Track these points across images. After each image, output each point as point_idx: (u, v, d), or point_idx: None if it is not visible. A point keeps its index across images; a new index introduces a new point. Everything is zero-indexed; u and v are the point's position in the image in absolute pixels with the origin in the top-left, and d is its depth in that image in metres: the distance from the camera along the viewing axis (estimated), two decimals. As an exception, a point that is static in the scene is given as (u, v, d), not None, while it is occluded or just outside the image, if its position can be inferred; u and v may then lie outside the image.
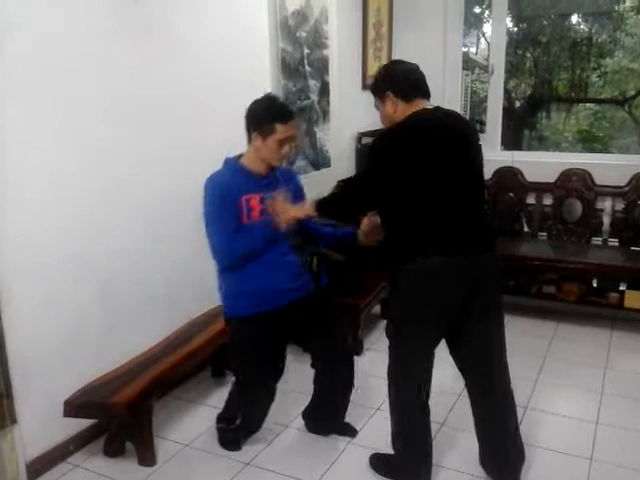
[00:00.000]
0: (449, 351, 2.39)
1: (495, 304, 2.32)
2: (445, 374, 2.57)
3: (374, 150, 2.22)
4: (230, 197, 2.34)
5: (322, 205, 2.36)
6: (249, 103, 2.42)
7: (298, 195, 2.60)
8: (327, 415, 2.79)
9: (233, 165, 2.44)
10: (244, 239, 2.35)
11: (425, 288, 2.17)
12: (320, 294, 2.57)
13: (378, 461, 2.56)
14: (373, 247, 2.53)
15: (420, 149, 2.10)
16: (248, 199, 2.38)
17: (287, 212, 2.36)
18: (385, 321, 4.04)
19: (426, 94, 2.27)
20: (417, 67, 2.31)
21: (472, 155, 2.23)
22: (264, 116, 2.36)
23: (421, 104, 2.23)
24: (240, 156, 2.47)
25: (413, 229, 2.16)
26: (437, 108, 2.25)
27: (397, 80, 2.25)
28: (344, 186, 2.34)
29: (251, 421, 2.69)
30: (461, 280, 2.17)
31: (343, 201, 2.37)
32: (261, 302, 2.43)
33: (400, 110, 2.22)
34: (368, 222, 2.47)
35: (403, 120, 2.18)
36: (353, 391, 2.73)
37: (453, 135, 2.18)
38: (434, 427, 2.46)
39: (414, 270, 2.16)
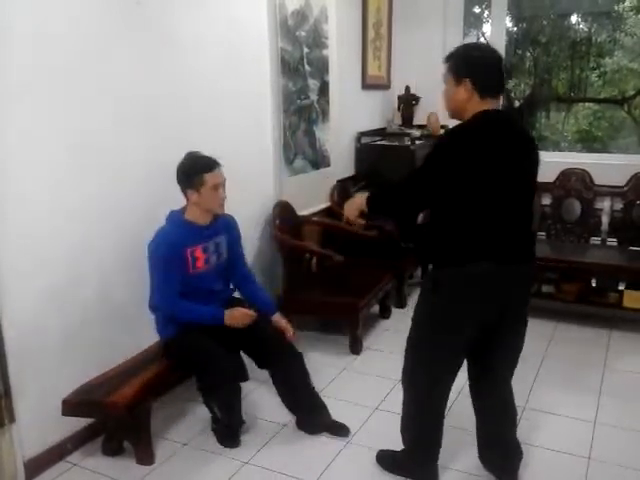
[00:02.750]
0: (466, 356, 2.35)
1: (524, 316, 2.29)
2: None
3: (443, 144, 2.12)
4: (174, 254, 2.57)
5: (375, 199, 2.28)
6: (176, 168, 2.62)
7: (237, 242, 2.89)
8: (301, 411, 2.82)
9: (177, 220, 2.66)
10: (187, 308, 2.63)
11: (470, 293, 2.11)
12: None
13: (384, 457, 2.56)
14: (364, 241, 2.50)
15: (489, 152, 2.03)
16: (192, 251, 2.64)
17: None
18: (387, 320, 4.11)
19: (501, 92, 2.19)
20: (501, 59, 2.17)
21: (530, 165, 2.17)
22: (190, 172, 2.59)
23: (493, 103, 2.13)
24: (183, 211, 2.68)
25: (467, 232, 2.09)
26: (503, 112, 2.19)
27: (482, 72, 2.11)
28: (399, 180, 2.21)
29: (228, 418, 2.73)
30: (505, 288, 2.13)
31: (398, 195, 2.22)
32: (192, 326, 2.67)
33: (472, 103, 2.10)
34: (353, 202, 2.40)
35: (475, 118, 2.08)
36: (350, 390, 2.73)
37: (520, 143, 2.12)
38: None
39: (462, 273, 2.10)
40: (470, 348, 2.26)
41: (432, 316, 2.24)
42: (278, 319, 2.90)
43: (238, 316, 2.66)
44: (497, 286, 2.12)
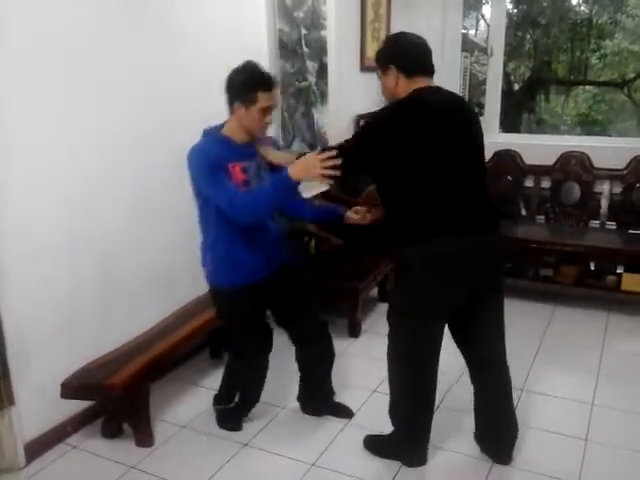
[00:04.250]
0: (450, 331, 2.39)
1: (498, 285, 2.33)
2: (443, 356, 2.57)
3: (371, 126, 2.19)
4: (218, 163, 2.28)
5: (339, 149, 2.16)
6: (229, 72, 2.33)
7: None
8: (316, 393, 2.81)
9: (214, 136, 2.38)
10: (254, 194, 2.29)
11: (439, 269, 2.14)
12: (295, 271, 2.62)
13: (372, 442, 2.57)
14: (363, 226, 2.49)
15: (421, 129, 2.07)
16: (232, 167, 2.33)
17: (319, 162, 2.14)
18: (385, 304, 4.10)
19: (430, 71, 2.23)
20: (424, 42, 2.25)
21: (472, 135, 2.21)
22: (247, 85, 2.28)
23: (424, 81, 2.19)
24: (221, 127, 2.40)
25: (420, 210, 2.13)
26: (439, 88, 2.23)
27: (402, 54, 2.20)
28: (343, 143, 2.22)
29: (251, 394, 2.70)
30: (471, 261, 2.16)
31: (344, 153, 2.13)
32: (243, 275, 2.44)
33: (402, 85, 2.18)
34: (365, 198, 2.42)
35: (405, 98, 2.15)
36: (350, 372, 2.73)
37: (454, 116, 2.16)
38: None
39: (427, 251, 2.13)
40: (444, 323, 2.30)
41: (404, 294, 2.28)
42: (353, 210, 2.56)
43: (310, 166, 2.16)
44: (463, 260, 2.13)
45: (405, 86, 2.18)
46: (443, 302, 2.22)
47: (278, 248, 2.51)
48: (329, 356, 2.73)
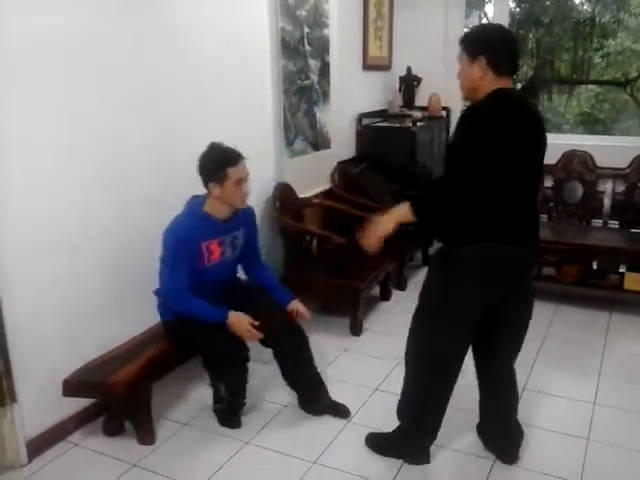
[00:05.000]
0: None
1: (531, 290, 2.31)
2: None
3: (465, 125, 2.07)
4: (188, 249, 2.53)
5: (418, 205, 2.16)
6: (199, 159, 2.54)
7: (254, 235, 2.86)
8: (302, 390, 2.82)
9: (196, 212, 2.59)
10: (192, 304, 2.56)
11: (483, 273, 2.12)
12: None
13: (374, 439, 2.57)
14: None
15: (505, 131, 2.00)
16: (208, 245, 2.59)
17: (248, 330, 2.55)
18: (387, 302, 4.11)
19: (515, 73, 2.17)
20: (518, 42, 2.19)
21: (539, 145, 2.15)
22: (214, 165, 2.51)
23: (507, 83, 2.11)
24: (203, 201, 2.60)
25: (481, 211, 2.07)
26: (514, 91, 2.18)
27: (496, 50, 2.09)
28: (437, 178, 2.20)
29: (237, 387, 2.72)
30: (515, 269, 2.15)
31: (445, 192, 2.09)
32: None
33: (487, 81, 2.08)
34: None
35: (490, 96, 2.07)
36: (351, 371, 2.73)
37: (531, 123, 2.10)
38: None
39: (480, 252, 2.09)
40: (474, 327, 2.25)
41: (439, 293, 2.23)
42: (294, 305, 2.84)
43: (241, 329, 2.57)
44: (505, 267, 2.12)
45: (490, 83, 2.08)
46: (478, 305, 2.19)
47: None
48: (305, 350, 2.78)
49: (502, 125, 2.00)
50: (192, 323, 2.59)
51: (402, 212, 2.18)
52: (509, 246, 2.09)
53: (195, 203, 2.62)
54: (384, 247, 2.31)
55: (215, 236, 2.62)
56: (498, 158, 2.00)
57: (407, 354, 2.38)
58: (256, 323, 2.59)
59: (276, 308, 2.79)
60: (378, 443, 2.55)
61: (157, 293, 2.73)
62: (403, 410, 2.45)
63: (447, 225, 2.18)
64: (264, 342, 2.75)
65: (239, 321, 2.57)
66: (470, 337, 2.28)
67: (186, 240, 2.52)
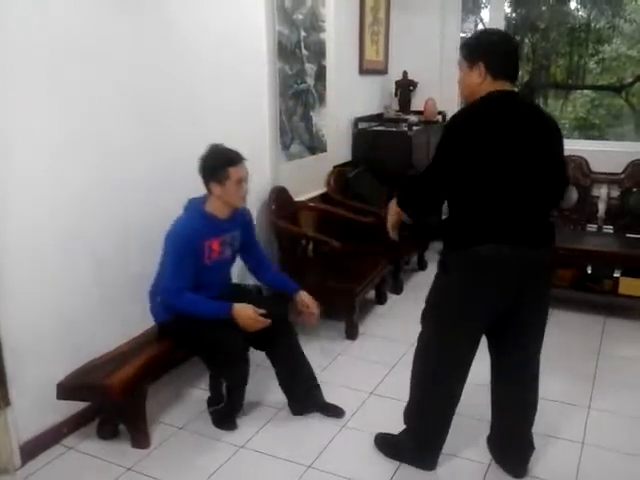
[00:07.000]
0: (486, 335, 2.33)
1: (546, 296, 2.28)
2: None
3: (447, 129, 2.10)
4: (191, 248, 2.56)
5: (403, 200, 2.30)
6: (200, 160, 2.59)
7: (251, 234, 2.90)
8: (296, 391, 2.82)
9: (198, 212, 2.63)
10: (193, 299, 2.58)
11: (484, 275, 2.11)
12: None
13: (384, 440, 2.56)
14: (362, 228, 2.52)
15: (491, 132, 2.01)
16: (210, 243, 2.63)
17: (255, 320, 2.57)
18: (382, 306, 4.11)
19: (514, 77, 2.17)
20: (517, 46, 2.20)
21: (545, 144, 2.12)
22: (215, 165, 2.57)
23: (506, 85, 2.11)
24: (203, 201, 2.65)
25: (481, 214, 2.08)
26: (516, 94, 2.17)
27: (494, 54, 2.10)
28: (416, 175, 2.24)
29: (237, 390, 2.71)
30: (520, 272, 2.12)
31: (420, 189, 2.24)
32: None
33: (485, 86, 2.10)
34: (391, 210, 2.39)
35: (481, 99, 2.08)
36: (346, 375, 2.72)
37: (531, 122, 2.09)
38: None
39: (469, 256, 2.10)
40: (482, 331, 2.25)
41: (443, 296, 2.25)
42: (302, 297, 2.88)
43: (247, 318, 2.58)
44: (512, 269, 2.10)
45: (488, 87, 2.09)
46: (480, 307, 2.17)
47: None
48: (297, 350, 2.80)
49: (484, 126, 2.02)
50: (192, 321, 2.57)
51: (394, 205, 2.35)
52: (508, 247, 2.07)
53: (196, 204, 2.67)
54: (404, 235, 2.45)
55: (217, 235, 2.66)
56: (479, 159, 2.01)
57: (415, 355, 2.39)
58: (261, 311, 2.60)
59: (270, 308, 2.74)
60: (386, 443, 2.53)
61: (153, 294, 2.73)
62: (409, 412, 2.44)
63: (447, 228, 2.20)
64: (257, 345, 2.77)
65: (245, 310, 2.58)
66: (475, 339, 2.26)
67: (191, 239, 2.56)
